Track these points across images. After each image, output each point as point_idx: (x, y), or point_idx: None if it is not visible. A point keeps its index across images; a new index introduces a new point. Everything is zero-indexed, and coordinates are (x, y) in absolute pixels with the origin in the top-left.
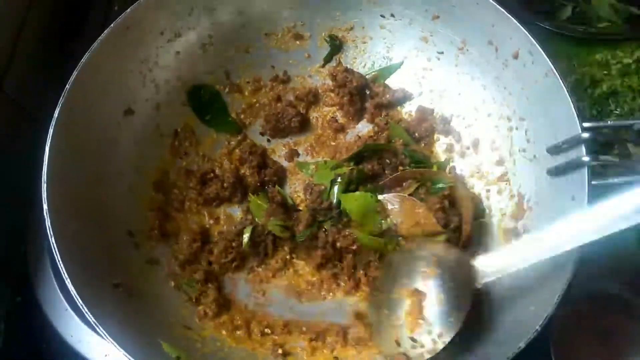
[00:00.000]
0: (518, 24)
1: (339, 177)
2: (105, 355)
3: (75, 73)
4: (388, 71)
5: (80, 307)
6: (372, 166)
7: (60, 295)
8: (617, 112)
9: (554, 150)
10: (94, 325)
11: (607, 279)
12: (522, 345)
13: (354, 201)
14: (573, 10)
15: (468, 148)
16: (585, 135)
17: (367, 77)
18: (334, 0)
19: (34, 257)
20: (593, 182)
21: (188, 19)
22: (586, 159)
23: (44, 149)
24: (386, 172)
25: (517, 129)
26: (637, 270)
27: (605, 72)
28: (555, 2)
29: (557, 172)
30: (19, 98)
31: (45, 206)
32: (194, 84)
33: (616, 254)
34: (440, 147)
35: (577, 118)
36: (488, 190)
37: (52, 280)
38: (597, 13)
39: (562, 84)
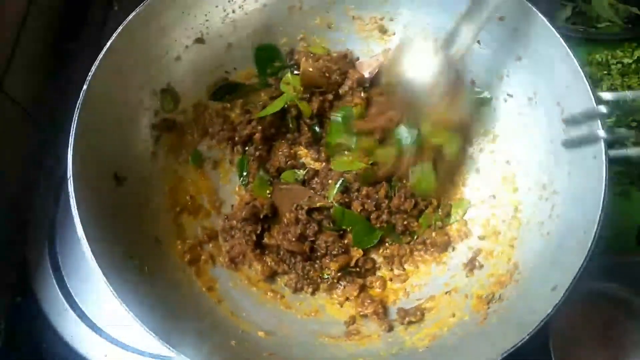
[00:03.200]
0: (591, 95)
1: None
2: (105, 355)
3: None
4: None
5: (99, 271)
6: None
7: (60, 295)
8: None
9: (570, 121)
10: (111, 292)
11: (607, 279)
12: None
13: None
14: (573, 10)
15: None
16: (602, 108)
17: None
18: (435, 6)
19: (34, 257)
20: (610, 152)
21: None
22: (602, 133)
23: (74, 112)
24: None
25: (546, 200)
26: (637, 270)
27: (605, 72)
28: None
29: (571, 144)
30: (19, 98)
31: (69, 163)
32: (267, 39)
33: (616, 254)
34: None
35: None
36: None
37: (52, 280)
38: (597, 13)
39: (605, 173)
